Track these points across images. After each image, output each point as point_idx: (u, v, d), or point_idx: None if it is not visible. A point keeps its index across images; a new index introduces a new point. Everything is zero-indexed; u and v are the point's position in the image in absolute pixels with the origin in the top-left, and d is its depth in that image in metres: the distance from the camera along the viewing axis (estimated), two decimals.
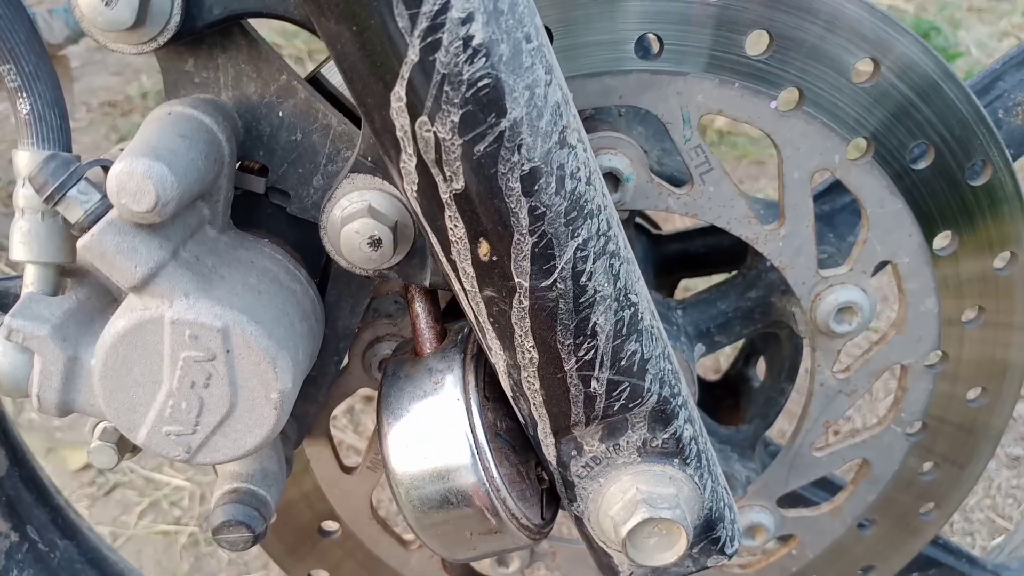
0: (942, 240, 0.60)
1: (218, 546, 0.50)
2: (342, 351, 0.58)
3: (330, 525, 0.67)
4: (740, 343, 0.80)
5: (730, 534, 0.53)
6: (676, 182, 0.58)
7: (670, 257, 0.77)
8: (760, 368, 0.78)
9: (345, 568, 0.68)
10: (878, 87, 0.55)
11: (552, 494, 0.54)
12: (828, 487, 0.82)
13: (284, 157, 0.50)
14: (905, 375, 0.63)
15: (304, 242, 0.53)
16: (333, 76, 0.52)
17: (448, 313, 0.56)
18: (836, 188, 0.67)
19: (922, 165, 0.57)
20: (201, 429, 0.45)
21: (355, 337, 0.58)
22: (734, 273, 0.68)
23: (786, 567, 0.71)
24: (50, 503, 0.79)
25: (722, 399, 0.83)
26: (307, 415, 0.58)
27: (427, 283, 0.50)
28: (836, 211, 0.67)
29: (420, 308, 0.52)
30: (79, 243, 0.42)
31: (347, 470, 0.64)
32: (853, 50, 0.53)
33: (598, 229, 0.43)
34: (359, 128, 0.49)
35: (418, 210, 0.43)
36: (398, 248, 0.48)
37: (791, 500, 0.70)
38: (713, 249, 0.73)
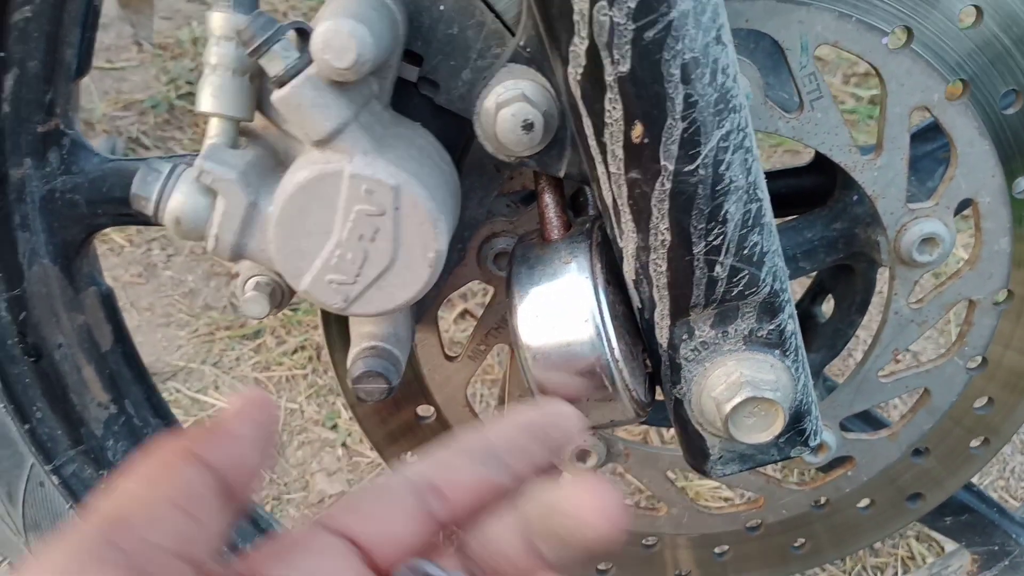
0: (1022, 183, 0.64)
1: (356, 397, 0.55)
2: (466, 239, 0.63)
3: (425, 410, 0.72)
4: (809, 282, 0.85)
5: (814, 428, 0.58)
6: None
7: None
8: (826, 308, 0.83)
9: None
10: (980, 33, 0.59)
11: (653, 381, 0.59)
12: (872, 422, 0.87)
13: (439, 49, 0.55)
14: (972, 310, 0.68)
15: (443, 134, 0.58)
16: None
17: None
18: (921, 136, 0.71)
19: (1011, 111, 0.62)
20: (361, 280, 0.50)
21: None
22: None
23: (840, 487, 0.77)
24: (146, 382, 0.84)
25: None
26: (426, 296, 0.63)
27: (562, 173, 0.54)
28: (919, 157, 0.71)
29: (550, 198, 0.57)
30: (276, 95, 0.47)
31: (449, 358, 0.69)
32: None
33: (739, 124, 0.48)
34: (508, 30, 0.53)
35: (578, 94, 0.48)
36: (542, 138, 0.52)
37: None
38: (794, 190, 0.77)
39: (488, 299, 0.69)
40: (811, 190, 0.77)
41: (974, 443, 0.75)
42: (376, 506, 0.41)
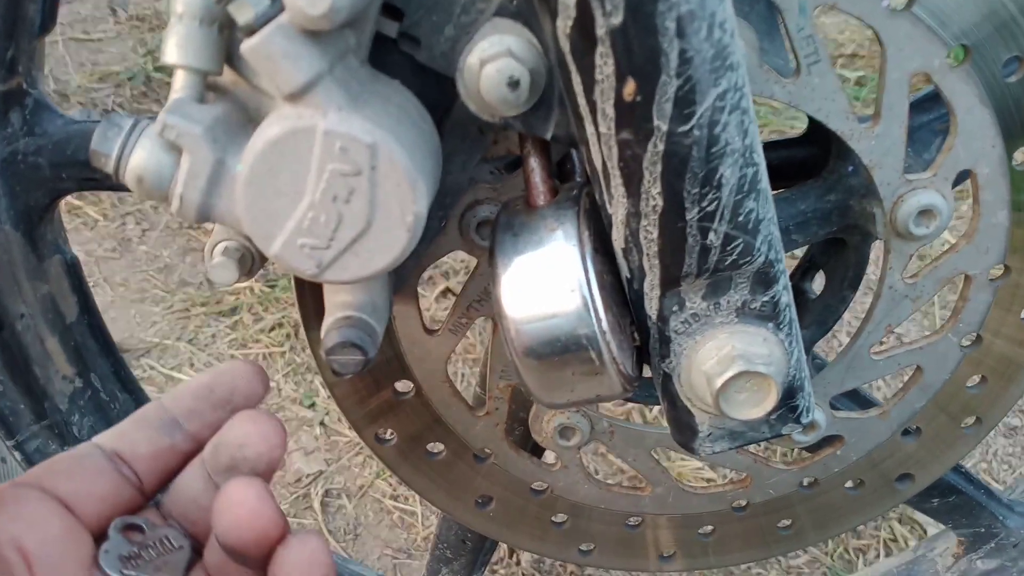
0: (1022, 155, 0.62)
1: (330, 368, 0.52)
2: (448, 207, 0.61)
3: (404, 386, 0.69)
4: (799, 257, 0.83)
5: (807, 404, 0.56)
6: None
7: None
8: (816, 284, 0.81)
9: (411, 429, 0.71)
10: None
11: (640, 355, 0.56)
12: (860, 401, 0.86)
13: (421, 3, 0.52)
14: (968, 286, 0.67)
15: (423, 95, 0.55)
16: None
17: None
18: (918, 106, 0.69)
19: (1014, 79, 0.60)
20: (335, 245, 0.47)
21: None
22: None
23: (828, 466, 0.75)
24: (113, 355, 0.81)
25: None
26: (404, 266, 0.60)
27: (549, 135, 0.52)
28: (915, 128, 0.69)
29: (535, 162, 0.54)
30: (245, 46, 0.44)
31: (429, 332, 0.67)
32: None
33: (736, 83, 0.45)
34: None
35: (566, 48, 0.45)
36: (528, 96, 0.50)
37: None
38: (786, 162, 0.75)
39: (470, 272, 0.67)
40: (803, 162, 0.75)
41: (965, 423, 0.73)
42: (74, 468, 0.46)
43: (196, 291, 1.59)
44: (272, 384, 1.46)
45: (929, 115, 0.70)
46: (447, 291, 1.65)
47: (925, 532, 1.49)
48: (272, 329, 1.52)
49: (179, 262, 1.64)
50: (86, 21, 2.39)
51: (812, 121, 0.71)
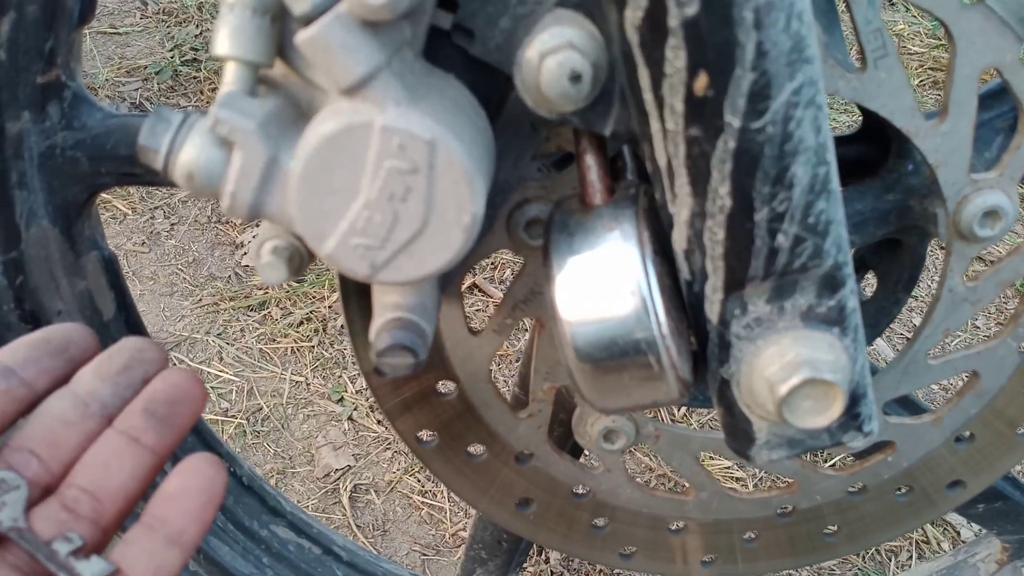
0: None
1: (380, 371, 0.50)
2: (497, 205, 0.59)
3: (446, 386, 0.68)
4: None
5: (869, 412, 0.54)
6: None
7: None
8: (866, 285, 0.79)
9: (453, 430, 0.70)
10: None
11: (696, 360, 0.55)
12: (910, 407, 0.83)
13: None
14: None
15: (476, 89, 0.53)
16: None
17: None
18: (980, 102, 0.66)
19: None
20: (390, 245, 0.46)
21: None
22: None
23: (879, 473, 0.73)
24: None
25: None
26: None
27: (608, 131, 0.50)
28: (978, 126, 0.67)
29: (592, 160, 0.52)
30: (301, 36, 0.42)
31: (473, 332, 0.65)
32: None
33: (811, 77, 0.43)
34: None
35: (635, 41, 0.43)
36: (590, 91, 0.48)
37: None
38: (840, 159, 0.73)
39: (500, 274, 0.65)
40: (857, 160, 0.72)
41: (1021, 429, 0.71)
42: None
43: (225, 285, 1.59)
44: (300, 379, 1.46)
45: (990, 112, 0.68)
46: (474, 287, 1.64)
47: (958, 534, 1.47)
48: (300, 324, 1.51)
49: (208, 256, 1.64)
50: (113, 15, 2.39)
51: (867, 117, 0.69)
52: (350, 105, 0.43)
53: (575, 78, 0.46)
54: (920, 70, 2.34)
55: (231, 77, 0.46)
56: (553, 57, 0.46)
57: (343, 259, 0.46)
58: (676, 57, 0.42)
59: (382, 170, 0.44)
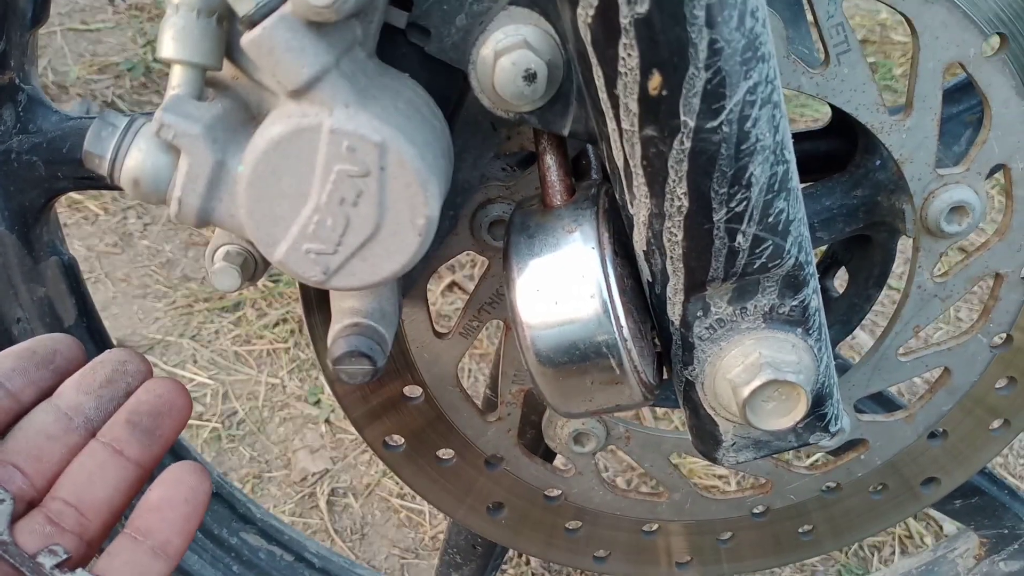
0: None
1: (337, 379, 0.49)
2: (458, 206, 0.58)
3: (413, 391, 0.67)
4: (819, 254, 0.80)
5: (835, 412, 0.53)
6: None
7: None
8: (838, 281, 0.78)
9: (421, 435, 0.69)
10: None
11: (661, 361, 0.54)
12: (885, 404, 0.83)
13: None
14: (999, 284, 0.64)
15: (433, 88, 0.52)
16: None
17: None
18: (947, 97, 0.66)
19: None
20: (342, 250, 0.45)
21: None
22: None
23: (852, 471, 0.72)
24: None
25: None
26: (414, 268, 0.57)
27: (566, 131, 0.49)
28: (945, 120, 0.66)
29: (552, 159, 0.51)
30: (246, 38, 0.41)
31: (439, 335, 0.64)
32: None
33: (767, 75, 0.43)
34: None
35: (588, 39, 0.42)
36: (545, 91, 0.47)
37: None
38: (808, 155, 0.72)
39: (481, 271, 0.64)
40: (827, 155, 0.72)
41: (993, 425, 0.71)
42: None
43: (199, 287, 1.57)
44: (276, 381, 1.44)
45: (958, 106, 0.67)
46: (453, 285, 1.63)
47: (941, 529, 1.47)
48: (276, 325, 1.50)
49: (181, 257, 1.62)
50: (84, 11, 2.36)
51: (835, 113, 0.68)
52: (298, 108, 0.42)
53: (530, 77, 0.45)
54: (903, 59, 2.35)
55: (177, 80, 0.44)
56: (508, 56, 0.45)
57: (295, 265, 0.45)
58: (629, 56, 0.41)
59: (332, 174, 0.43)
